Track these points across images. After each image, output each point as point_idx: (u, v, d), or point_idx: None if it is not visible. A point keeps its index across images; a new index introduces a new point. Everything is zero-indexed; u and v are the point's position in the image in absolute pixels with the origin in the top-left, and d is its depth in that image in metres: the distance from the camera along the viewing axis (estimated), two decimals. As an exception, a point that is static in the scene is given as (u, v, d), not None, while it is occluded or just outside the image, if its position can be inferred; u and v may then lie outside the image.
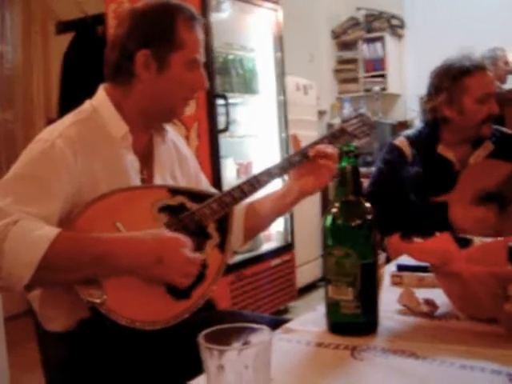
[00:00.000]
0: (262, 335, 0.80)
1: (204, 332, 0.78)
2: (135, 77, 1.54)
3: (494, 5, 6.06)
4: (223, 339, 0.78)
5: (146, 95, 1.56)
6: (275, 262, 4.26)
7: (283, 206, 1.71)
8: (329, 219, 1.15)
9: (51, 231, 1.31)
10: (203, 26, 1.61)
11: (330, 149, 1.63)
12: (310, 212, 4.91)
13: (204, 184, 1.82)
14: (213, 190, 1.78)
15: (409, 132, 2.47)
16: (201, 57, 1.59)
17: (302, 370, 1.02)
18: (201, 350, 0.76)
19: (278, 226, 4.44)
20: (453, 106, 2.31)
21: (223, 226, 1.57)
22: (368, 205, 1.16)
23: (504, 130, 2.49)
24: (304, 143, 1.71)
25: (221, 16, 3.97)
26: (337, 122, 6.07)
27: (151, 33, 1.54)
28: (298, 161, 1.65)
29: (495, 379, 0.91)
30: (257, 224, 1.78)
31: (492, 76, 2.34)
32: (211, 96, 3.64)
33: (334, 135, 1.72)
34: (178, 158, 1.73)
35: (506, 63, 5.20)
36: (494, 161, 2.31)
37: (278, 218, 1.79)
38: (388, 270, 1.50)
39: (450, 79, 2.30)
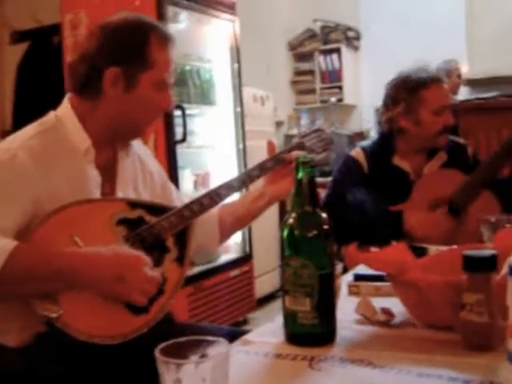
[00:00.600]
0: (219, 347, 0.79)
1: (161, 346, 0.77)
2: (102, 93, 1.52)
3: (447, 18, 6.19)
4: (180, 352, 0.77)
5: (111, 113, 1.54)
6: (234, 272, 4.25)
7: (256, 209, 1.75)
8: (286, 230, 1.15)
9: (9, 244, 1.28)
10: (174, 46, 1.60)
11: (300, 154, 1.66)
12: (268, 222, 4.91)
13: (174, 194, 1.81)
14: (183, 199, 1.77)
15: (364, 143, 2.50)
16: (170, 77, 1.58)
17: (260, 381, 1.02)
18: (158, 363, 0.75)
19: (236, 237, 4.42)
20: (409, 117, 2.34)
21: (182, 240, 1.56)
22: (325, 215, 1.16)
23: (457, 139, 2.54)
24: (263, 154, 1.73)
25: (178, 27, 3.96)
26: (294, 132, 6.12)
27: (122, 50, 1.51)
28: (271, 166, 1.68)
29: (451, 387, 0.92)
30: (231, 226, 1.80)
31: (447, 88, 2.39)
32: (168, 107, 3.62)
33: (292, 150, 1.74)
34: (142, 172, 1.71)
35: (459, 76, 5.31)
36: (448, 170, 2.35)
37: (252, 221, 1.82)
38: (345, 280, 1.51)
39: (407, 91, 2.34)
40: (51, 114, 1.56)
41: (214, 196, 1.61)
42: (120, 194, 1.60)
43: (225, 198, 1.64)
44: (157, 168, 1.79)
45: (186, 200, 1.66)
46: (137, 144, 1.73)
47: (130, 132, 1.62)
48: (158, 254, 1.50)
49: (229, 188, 1.64)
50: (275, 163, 1.69)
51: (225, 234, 1.81)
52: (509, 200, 2.23)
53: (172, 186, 1.83)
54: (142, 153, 1.75)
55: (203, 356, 0.78)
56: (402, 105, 2.34)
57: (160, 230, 1.52)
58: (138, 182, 1.68)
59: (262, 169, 1.68)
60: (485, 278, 1.02)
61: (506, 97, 4.18)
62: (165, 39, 1.55)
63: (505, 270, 0.96)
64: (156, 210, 1.55)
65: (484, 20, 6.24)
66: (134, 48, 1.51)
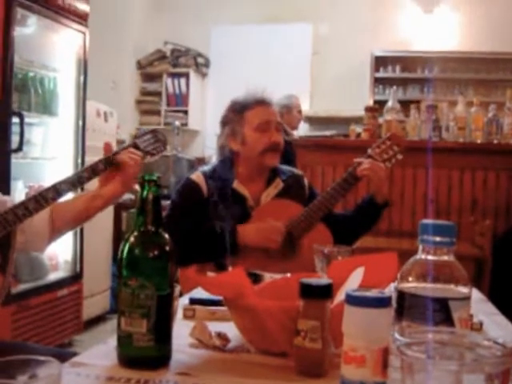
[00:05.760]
0: (49, 368, 0.74)
1: (-15, 364, 0.71)
2: None
3: (294, 55, 6.48)
4: (7, 372, 0.71)
5: None
6: (62, 292, 4.07)
7: (92, 208, 1.70)
8: (126, 249, 1.11)
9: None
10: None
11: (133, 155, 1.66)
12: (100, 241, 4.79)
13: None
14: (5, 198, 1.67)
15: (205, 168, 2.52)
16: None
17: (89, 405, 0.97)
18: (-20, 384, 0.69)
19: (66, 255, 4.26)
20: (236, 138, 2.40)
21: (4, 246, 1.47)
22: (167, 236, 1.14)
23: (294, 169, 2.63)
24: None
25: (25, 31, 3.77)
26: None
27: None
28: (102, 169, 1.65)
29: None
30: (63, 225, 1.73)
31: (273, 109, 2.46)
32: (6, 113, 3.43)
33: (125, 150, 1.72)
34: None
35: (300, 111, 5.50)
36: (284, 201, 2.42)
37: (87, 221, 1.77)
38: (181, 303, 1.49)
39: (233, 113, 2.42)
40: None
41: (41, 199, 1.54)
42: None
43: (52, 202, 1.58)
44: None
45: (9, 200, 1.57)
46: None
47: None
48: None
49: (56, 191, 1.58)
50: (107, 165, 1.66)
51: (55, 234, 1.73)
52: (340, 233, 2.34)
53: None
54: None
55: (32, 377, 0.73)
56: (229, 127, 2.42)
57: None
58: None
59: (94, 171, 1.64)
60: (320, 306, 1.05)
61: (342, 136, 4.43)
62: None
63: (341, 297, 1.00)
64: None
65: (328, 61, 6.61)
66: None
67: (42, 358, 0.76)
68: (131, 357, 1.10)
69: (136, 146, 1.73)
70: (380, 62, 6.68)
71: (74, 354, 1.23)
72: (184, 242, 2.20)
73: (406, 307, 0.95)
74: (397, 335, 0.73)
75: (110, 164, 1.65)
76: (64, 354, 1.38)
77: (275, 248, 2.27)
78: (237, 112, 2.41)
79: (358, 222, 2.44)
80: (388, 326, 0.89)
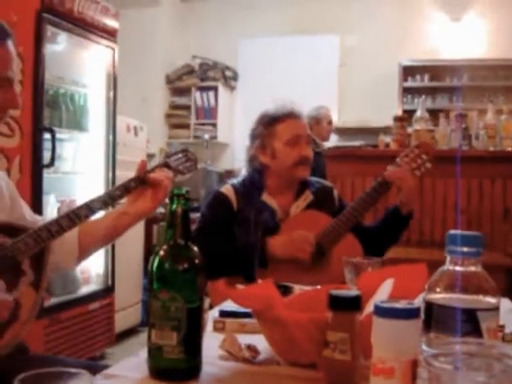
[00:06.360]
0: (81, 380, 0.76)
1: (19, 377, 0.72)
2: None
3: (322, 66, 6.48)
4: (40, 384, 0.73)
5: None
6: (93, 306, 4.11)
7: (121, 226, 1.71)
8: (156, 262, 1.13)
9: None
10: (15, 42, 1.55)
11: (164, 172, 1.68)
12: (132, 255, 4.83)
13: (25, 211, 1.71)
14: (37, 218, 1.70)
15: (234, 180, 2.53)
16: (13, 74, 1.52)
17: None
18: (15, 395, 0.71)
19: (98, 269, 4.30)
20: (266, 151, 2.41)
21: (39, 263, 1.49)
22: (196, 249, 1.16)
23: (324, 182, 2.63)
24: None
25: (55, 48, 3.85)
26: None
27: None
28: (134, 187, 1.66)
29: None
30: (93, 243, 1.74)
31: (303, 122, 2.47)
32: (37, 129, 3.49)
33: (157, 169, 1.73)
34: None
35: (330, 122, 5.48)
36: (314, 212, 2.42)
37: (116, 239, 1.77)
38: (211, 316, 1.50)
39: (263, 126, 2.43)
40: None
41: (74, 217, 1.56)
42: None
43: (85, 220, 1.60)
44: (4, 180, 1.70)
45: (41, 220, 1.60)
46: None
47: None
48: (12, 277, 1.42)
49: (89, 209, 1.60)
50: (139, 183, 1.67)
51: (85, 251, 1.75)
52: (368, 244, 2.33)
53: (23, 203, 1.74)
54: None
55: (64, 389, 0.74)
56: (259, 140, 2.42)
57: (15, 252, 1.44)
58: None
59: (126, 189, 1.65)
60: (349, 318, 1.05)
61: (370, 146, 4.41)
62: (2, 35, 1.51)
63: (370, 309, 1.00)
64: (11, 230, 1.48)
65: (356, 72, 6.60)
66: None
67: (73, 370, 0.77)
68: (162, 369, 1.11)
69: (167, 165, 1.75)
70: (408, 71, 6.65)
71: (106, 367, 1.24)
72: (213, 256, 2.21)
73: (434, 318, 0.94)
74: (424, 346, 0.73)
75: (142, 182, 1.67)
76: (95, 367, 1.39)
77: (305, 258, 2.27)
78: (267, 125, 2.42)
79: (384, 233, 2.43)
80: (417, 338, 0.88)
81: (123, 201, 1.71)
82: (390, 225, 2.41)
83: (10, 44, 1.52)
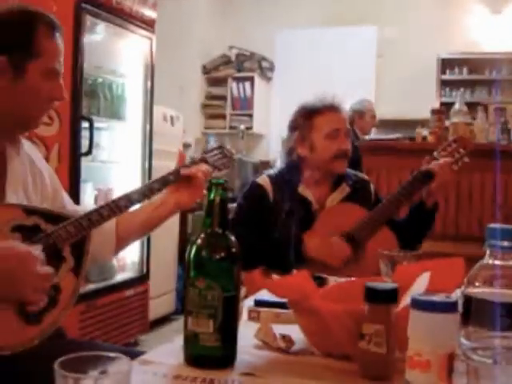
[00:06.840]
0: (120, 365, 0.77)
1: (60, 359, 0.74)
2: None
3: (359, 58, 6.43)
4: (79, 367, 0.74)
5: (0, 103, 1.50)
6: (129, 292, 4.16)
7: (158, 218, 1.73)
8: (193, 250, 1.14)
9: None
10: (63, 35, 1.58)
11: (202, 167, 1.70)
12: (167, 243, 4.86)
13: (66, 201, 1.75)
14: (77, 208, 1.72)
15: (271, 171, 2.53)
16: (60, 66, 1.55)
17: (157, 402, 0.99)
18: (56, 377, 0.72)
19: (133, 256, 4.35)
20: (304, 143, 2.40)
21: (79, 250, 1.52)
22: (233, 238, 1.16)
23: (361, 175, 2.61)
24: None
25: (94, 38, 3.89)
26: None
27: (8, 39, 1.49)
28: (172, 180, 1.69)
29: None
30: (130, 234, 1.77)
31: (343, 116, 2.45)
32: (76, 118, 3.54)
33: (195, 165, 1.75)
34: (32, 173, 1.65)
35: (373, 116, 5.41)
36: (350, 205, 2.41)
37: (153, 230, 1.79)
38: (246, 305, 1.51)
39: (302, 118, 2.41)
40: None
41: (114, 207, 1.58)
42: (11, 194, 1.54)
43: (124, 210, 1.62)
44: (48, 170, 1.74)
45: (81, 210, 1.62)
46: (27, 144, 1.68)
47: (21, 124, 1.58)
48: (53, 263, 1.45)
49: (128, 200, 1.62)
50: (177, 177, 1.69)
51: (122, 243, 1.77)
52: (404, 238, 2.31)
53: (64, 193, 1.78)
54: (31, 153, 1.69)
55: (103, 372, 0.76)
56: (298, 132, 2.41)
57: (57, 239, 1.47)
58: (28, 183, 1.62)
59: (165, 182, 1.68)
60: (385, 310, 1.05)
61: (407, 139, 4.36)
62: (53, 28, 1.54)
63: (407, 301, 0.99)
64: (53, 218, 1.51)
65: (393, 64, 6.54)
66: (20, 37, 1.50)
67: (112, 354, 0.78)
68: (197, 356, 1.12)
69: (205, 161, 1.77)
70: (446, 64, 6.58)
71: (141, 353, 1.26)
72: (249, 246, 2.22)
73: (473, 312, 0.94)
74: (463, 340, 0.73)
75: (180, 176, 1.69)
76: (130, 353, 1.41)
77: (337, 266, 2.25)
78: (306, 117, 2.41)
79: (411, 227, 2.40)
80: (454, 331, 0.88)
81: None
82: (416, 219, 2.39)
83: (59, 37, 1.56)
